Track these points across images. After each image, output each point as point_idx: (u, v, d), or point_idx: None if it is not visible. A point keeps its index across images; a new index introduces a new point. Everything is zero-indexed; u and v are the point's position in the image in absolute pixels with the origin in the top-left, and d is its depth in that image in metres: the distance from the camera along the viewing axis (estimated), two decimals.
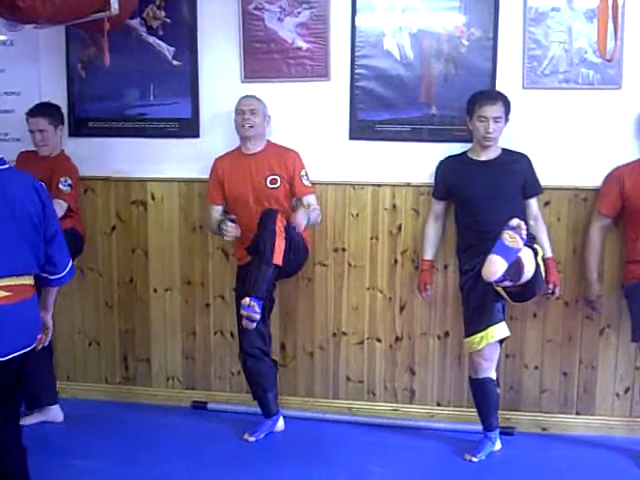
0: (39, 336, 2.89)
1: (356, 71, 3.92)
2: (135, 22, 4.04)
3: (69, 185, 3.94)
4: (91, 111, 4.22)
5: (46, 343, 3.07)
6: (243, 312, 3.54)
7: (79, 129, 4.25)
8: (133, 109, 4.18)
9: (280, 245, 3.56)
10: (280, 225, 3.58)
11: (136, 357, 4.44)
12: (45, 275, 2.90)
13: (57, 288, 3.03)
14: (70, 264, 2.98)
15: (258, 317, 3.54)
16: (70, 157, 4.11)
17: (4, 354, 2.70)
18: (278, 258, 3.56)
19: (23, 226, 2.73)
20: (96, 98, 4.20)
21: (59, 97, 4.18)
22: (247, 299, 3.53)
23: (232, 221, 3.77)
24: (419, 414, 4.15)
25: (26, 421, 4.06)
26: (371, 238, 4.06)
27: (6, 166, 2.79)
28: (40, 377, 4.03)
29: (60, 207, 3.84)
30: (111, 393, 4.47)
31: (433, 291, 3.95)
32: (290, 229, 3.63)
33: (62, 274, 2.94)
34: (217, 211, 3.96)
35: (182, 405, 4.37)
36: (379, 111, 3.93)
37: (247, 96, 3.89)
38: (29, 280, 2.79)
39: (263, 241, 3.55)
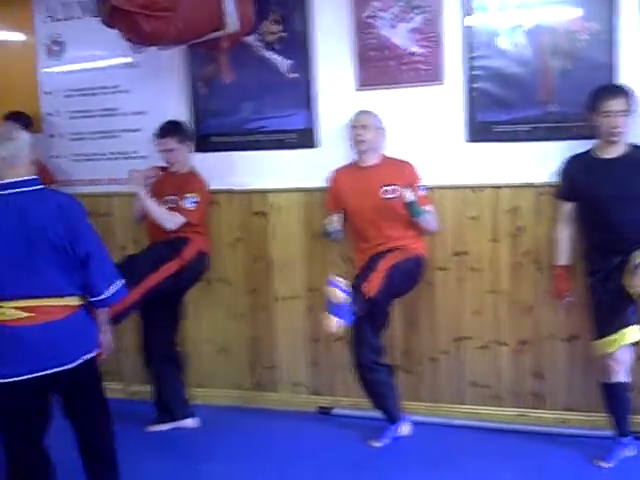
0: (88, 355, 2.93)
1: (471, 72, 3.88)
2: (252, 38, 4.15)
3: (194, 202, 4.08)
4: (213, 127, 4.38)
5: (104, 356, 3.11)
6: (328, 289, 3.50)
7: (203, 144, 4.40)
8: (252, 122, 4.29)
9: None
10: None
11: (263, 364, 4.55)
12: (88, 297, 2.93)
13: (105, 310, 3.04)
14: (114, 287, 2.95)
15: (343, 299, 3.46)
16: (198, 173, 4.25)
17: (23, 373, 2.79)
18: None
19: (43, 249, 2.77)
20: (217, 114, 4.35)
21: (183, 115, 4.35)
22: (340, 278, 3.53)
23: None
24: (547, 419, 4.04)
25: (160, 428, 4.26)
26: (492, 241, 4.00)
27: (32, 188, 2.83)
28: (170, 393, 4.23)
29: (174, 221, 4.01)
30: (239, 399, 4.60)
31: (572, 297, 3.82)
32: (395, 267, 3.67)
33: (102, 297, 2.93)
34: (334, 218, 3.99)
35: (308, 410, 4.43)
36: (496, 112, 3.87)
37: (360, 112, 3.94)
38: (58, 301, 2.83)
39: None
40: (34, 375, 2.81)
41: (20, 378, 2.80)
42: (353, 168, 4.01)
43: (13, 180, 2.81)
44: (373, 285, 3.56)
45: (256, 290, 4.47)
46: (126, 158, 4.55)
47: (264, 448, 4.01)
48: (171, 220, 4.03)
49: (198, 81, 4.34)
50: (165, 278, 3.91)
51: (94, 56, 4.54)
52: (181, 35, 3.50)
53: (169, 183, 4.17)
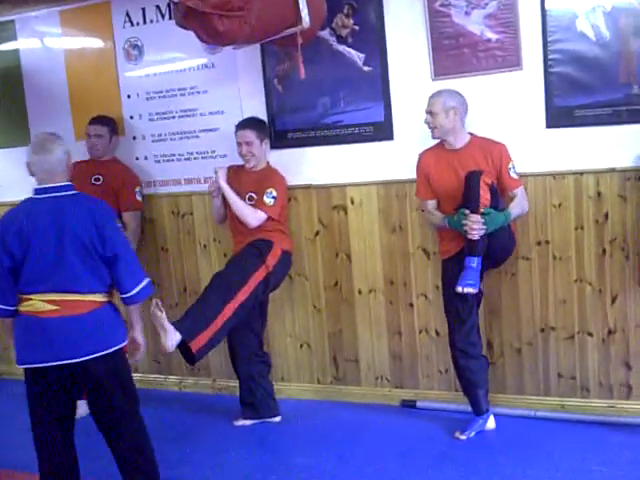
0: (112, 348, 3.13)
1: (549, 57, 3.78)
2: (325, 33, 4.16)
3: (273, 197, 4.13)
4: (289, 123, 4.40)
5: (137, 358, 3.36)
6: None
7: (279, 141, 4.43)
8: (328, 117, 4.30)
9: (485, 195, 3.58)
10: (484, 184, 3.59)
11: (345, 357, 4.56)
12: (119, 294, 3.17)
13: (135, 306, 3.25)
14: (142, 285, 3.18)
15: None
16: (277, 169, 4.30)
17: (48, 361, 3.06)
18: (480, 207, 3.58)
19: (73, 248, 3.03)
20: (293, 110, 4.38)
21: (259, 112, 4.39)
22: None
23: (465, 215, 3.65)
24: (636, 410, 3.93)
25: (245, 423, 4.32)
26: (576, 228, 3.90)
27: (69, 193, 3.13)
28: (258, 393, 4.29)
29: (256, 217, 4.09)
30: (323, 393, 4.63)
31: None
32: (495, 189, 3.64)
33: (131, 293, 3.15)
34: (431, 205, 3.94)
35: (391, 404, 4.43)
36: (576, 96, 3.77)
37: (431, 95, 3.85)
38: (85, 297, 3.08)
39: (470, 197, 3.59)
40: (58, 363, 3.06)
41: (45, 365, 3.07)
42: (440, 150, 3.90)
43: (51, 185, 3.13)
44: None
45: (336, 284, 4.49)
46: (205, 158, 4.63)
47: (349, 441, 4.03)
48: (253, 216, 4.09)
49: (273, 78, 4.37)
50: (254, 289, 3.96)
51: (172, 58, 4.63)
52: (255, 33, 3.51)
53: (248, 181, 4.23)
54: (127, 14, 4.69)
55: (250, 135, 4.18)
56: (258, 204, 4.12)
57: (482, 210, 3.58)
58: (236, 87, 4.49)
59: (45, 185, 3.13)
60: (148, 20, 4.64)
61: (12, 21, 5.04)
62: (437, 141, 3.90)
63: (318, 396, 4.63)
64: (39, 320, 3.05)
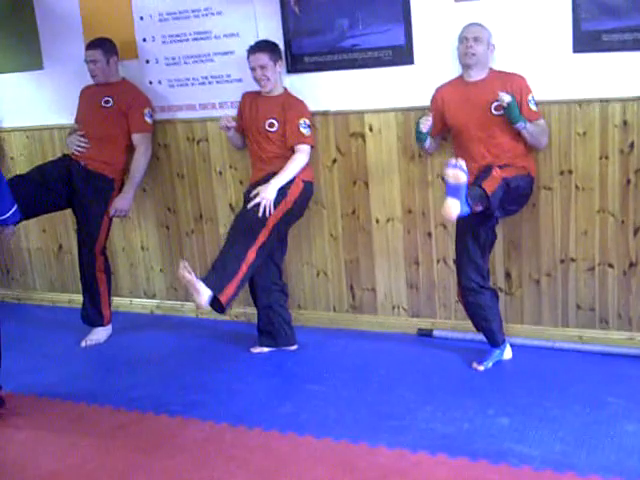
0: None
1: None
2: None
3: (307, 126, 4.09)
4: (306, 46, 4.26)
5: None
6: (449, 171, 3.38)
7: (295, 65, 4.31)
8: (346, 40, 4.16)
9: None
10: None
11: (361, 286, 4.54)
12: None
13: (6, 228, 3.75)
14: (11, 211, 3.63)
15: (464, 179, 3.34)
16: (296, 96, 4.20)
17: None
18: None
19: None
20: (310, 33, 4.23)
21: (275, 35, 4.26)
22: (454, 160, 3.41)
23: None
24: None
25: (262, 350, 4.34)
26: (600, 158, 3.80)
27: None
28: (276, 322, 4.30)
29: (304, 154, 4.08)
30: (339, 321, 4.63)
31: None
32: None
33: (4, 217, 3.61)
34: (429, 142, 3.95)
35: (408, 333, 4.42)
36: (605, 20, 3.60)
37: (472, 24, 3.74)
38: None
39: None
40: None
41: None
42: (458, 83, 3.85)
43: None
44: (492, 185, 3.45)
45: (354, 212, 4.43)
46: (220, 82, 4.52)
47: (365, 369, 4.04)
48: (302, 158, 4.09)
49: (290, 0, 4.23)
50: (274, 227, 3.97)
51: None
52: None
53: (267, 106, 4.15)
54: None
55: (263, 58, 4.07)
56: (297, 137, 4.07)
57: (504, 103, 3.57)
58: (251, 8, 4.34)
59: None
60: None
61: None
62: (457, 72, 3.82)
63: (334, 324, 4.63)
64: None
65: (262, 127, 4.13)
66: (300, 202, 4.12)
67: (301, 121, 4.10)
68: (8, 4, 5.06)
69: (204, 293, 3.73)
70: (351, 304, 4.60)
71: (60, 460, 3.36)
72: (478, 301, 3.84)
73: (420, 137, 3.87)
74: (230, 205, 4.70)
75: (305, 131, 4.10)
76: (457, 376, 3.88)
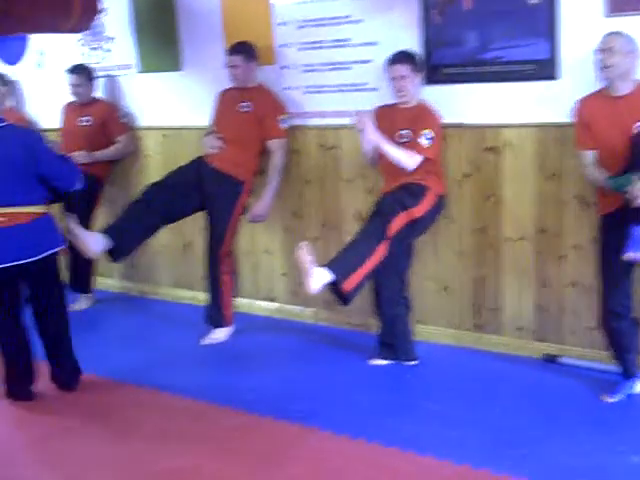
0: (51, 251, 3.89)
1: None
2: None
3: (429, 139, 3.99)
4: (446, 57, 4.18)
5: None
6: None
7: (434, 76, 4.23)
8: (488, 52, 4.05)
9: None
10: None
11: (486, 305, 4.41)
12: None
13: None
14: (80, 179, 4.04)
15: None
16: (431, 107, 4.13)
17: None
18: None
19: (8, 170, 3.72)
20: (451, 43, 4.14)
21: (414, 45, 4.20)
22: None
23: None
24: None
25: (381, 362, 4.29)
26: None
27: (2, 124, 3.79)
28: (398, 336, 4.26)
29: (413, 161, 3.97)
30: (461, 339, 4.51)
31: None
32: None
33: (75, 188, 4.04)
34: (591, 157, 3.64)
35: (532, 356, 4.26)
36: None
37: (608, 34, 3.53)
38: (24, 209, 3.78)
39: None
40: (6, 265, 3.75)
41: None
42: (602, 97, 3.60)
43: None
44: None
45: (483, 229, 4.31)
46: (356, 90, 4.50)
47: (487, 392, 3.92)
48: (410, 161, 3.98)
49: (432, 9, 4.15)
50: (406, 225, 3.91)
51: None
52: None
53: (401, 117, 4.10)
54: None
55: (404, 69, 4.02)
56: (414, 145, 3.99)
57: None
58: (392, 17, 4.29)
59: None
60: None
61: None
62: (600, 87, 3.60)
63: (455, 341, 4.52)
64: None
65: (395, 138, 4.07)
66: (431, 214, 4.05)
67: (424, 132, 4.01)
68: (151, 6, 5.23)
69: (318, 278, 3.69)
70: (474, 322, 4.48)
71: (179, 459, 3.41)
72: (621, 327, 3.66)
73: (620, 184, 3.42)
74: (357, 213, 4.67)
75: (424, 142, 3.99)
76: (585, 407, 3.70)
